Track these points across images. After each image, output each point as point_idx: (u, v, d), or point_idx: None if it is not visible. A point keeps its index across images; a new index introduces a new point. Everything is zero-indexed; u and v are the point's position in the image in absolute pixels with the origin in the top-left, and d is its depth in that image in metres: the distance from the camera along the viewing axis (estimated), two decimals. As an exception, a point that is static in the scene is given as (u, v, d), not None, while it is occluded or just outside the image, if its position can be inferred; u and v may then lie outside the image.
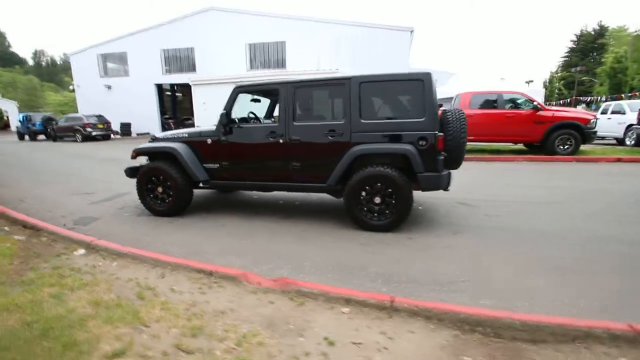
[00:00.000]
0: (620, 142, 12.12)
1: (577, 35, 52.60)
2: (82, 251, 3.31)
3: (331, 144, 3.87)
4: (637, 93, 23.43)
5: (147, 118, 21.65)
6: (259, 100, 5.12)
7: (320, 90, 4.02)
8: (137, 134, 21.68)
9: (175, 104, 26.80)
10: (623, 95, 23.57)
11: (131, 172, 4.71)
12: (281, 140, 4.01)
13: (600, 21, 56.53)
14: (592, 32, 50.69)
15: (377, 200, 3.77)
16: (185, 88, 27.88)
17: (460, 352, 1.81)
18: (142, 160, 4.78)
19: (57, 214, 4.73)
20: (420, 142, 3.64)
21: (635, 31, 37.77)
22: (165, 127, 22.97)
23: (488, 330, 1.93)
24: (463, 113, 4.02)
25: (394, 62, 16.07)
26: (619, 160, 8.35)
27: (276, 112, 4.33)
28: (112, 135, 19.57)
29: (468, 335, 1.93)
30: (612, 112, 12.53)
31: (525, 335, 1.89)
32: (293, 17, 17.76)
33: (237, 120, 4.45)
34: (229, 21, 19.00)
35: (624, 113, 12.10)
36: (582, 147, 9.39)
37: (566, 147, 9.12)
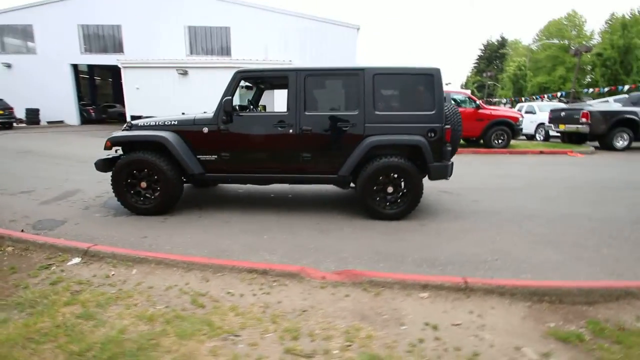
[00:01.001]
0: (530, 137, 14.36)
1: (484, 45, 60.07)
2: (76, 260, 2.75)
3: (344, 135, 3.85)
4: (534, 97, 27.87)
5: (60, 104, 18.50)
6: (250, 88, 4.80)
7: (333, 79, 3.95)
8: (48, 122, 18.41)
9: (93, 88, 23.44)
10: (523, 99, 27.81)
11: (104, 165, 4.04)
12: (291, 131, 3.85)
13: (502, 33, 65.71)
14: (496, 43, 58.55)
15: (390, 189, 3.89)
16: (106, 71, 24.51)
17: (541, 320, 2.01)
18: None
19: (3, 217, 3.83)
20: (430, 134, 3.85)
21: (529, 44, 44.93)
22: (83, 114, 20.00)
23: (554, 299, 2.18)
24: (457, 108, 4.36)
25: (342, 57, 16.43)
26: (541, 152, 9.91)
27: (278, 101, 4.13)
28: (14, 123, 16.28)
29: (539, 305, 2.16)
30: (526, 112, 14.72)
31: (582, 299, 2.19)
32: (239, 2, 16.85)
33: (237, 108, 4.12)
34: (163, -1, 17.18)
35: (534, 113, 14.34)
36: (512, 142, 10.89)
37: (500, 141, 10.48)
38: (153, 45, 17.04)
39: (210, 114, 4.15)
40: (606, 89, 22.28)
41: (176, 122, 4.02)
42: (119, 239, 3.28)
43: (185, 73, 14.63)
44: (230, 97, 3.77)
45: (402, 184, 3.90)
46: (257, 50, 16.35)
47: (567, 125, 11.17)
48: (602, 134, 10.57)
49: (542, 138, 13.72)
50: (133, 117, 15.02)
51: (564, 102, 20.00)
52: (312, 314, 2.02)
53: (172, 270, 2.56)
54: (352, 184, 4.18)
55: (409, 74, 3.89)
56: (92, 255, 2.77)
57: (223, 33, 17.15)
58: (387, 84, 3.88)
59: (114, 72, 19.81)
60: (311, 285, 2.34)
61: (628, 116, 10.42)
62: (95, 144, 9.38)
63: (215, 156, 3.99)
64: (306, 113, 3.84)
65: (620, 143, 10.56)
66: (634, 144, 10.64)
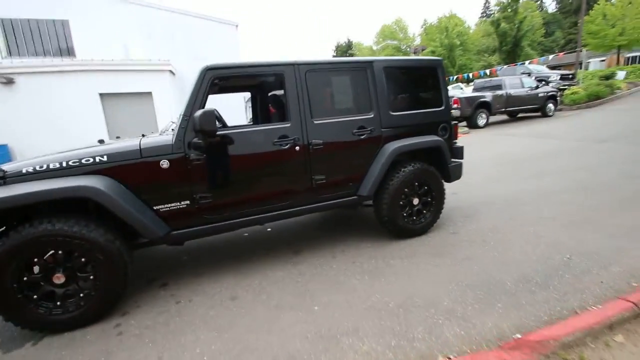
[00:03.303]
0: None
1: (335, 46, 66.20)
2: None
3: (362, 144, 3.07)
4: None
5: None
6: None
7: (338, 75, 3.05)
8: None
9: None
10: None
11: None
12: (297, 148, 2.81)
13: (348, 37, 73.98)
14: (344, 44, 65.33)
15: (416, 201, 3.33)
16: None
17: None
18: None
19: None
20: (442, 132, 3.47)
21: (370, 45, 51.83)
22: None
23: None
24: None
25: (222, 56, 14.84)
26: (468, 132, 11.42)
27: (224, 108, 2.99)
28: None
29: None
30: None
31: None
32: (76, -12, 12.96)
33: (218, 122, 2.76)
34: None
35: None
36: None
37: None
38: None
39: (162, 136, 2.68)
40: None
41: (104, 158, 2.39)
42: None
43: (9, 82, 10.45)
44: (206, 109, 2.43)
45: (426, 192, 3.39)
46: (113, 49, 13.05)
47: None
48: (469, 115, 12.77)
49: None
50: None
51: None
52: None
53: None
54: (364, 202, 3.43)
55: (416, 67, 3.37)
56: None
57: (59, 28, 12.94)
58: (397, 78, 3.27)
59: None
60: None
61: (483, 100, 12.89)
62: None
63: (187, 201, 2.58)
64: (314, 121, 2.87)
65: (481, 121, 12.98)
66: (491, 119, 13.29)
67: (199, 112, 2.39)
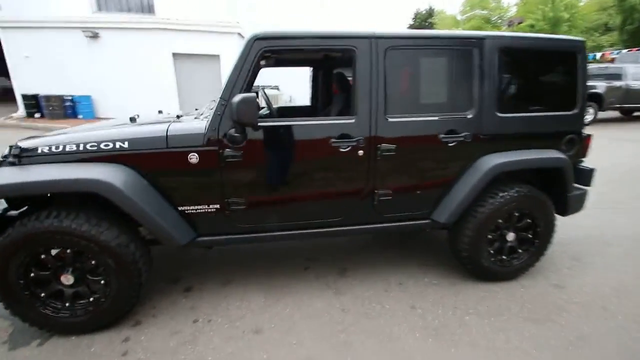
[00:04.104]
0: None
1: (414, 14, 60.93)
2: None
3: (449, 154, 2.25)
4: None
5: None
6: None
7: (431, 55, 2.21)
8: None
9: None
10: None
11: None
12: (361, 152, 2.11)
13: (430, 5, 67.46)
14: (424, 12, 59.68)
15: (511, 237, 2.46)
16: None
17: None
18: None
19: None
20: (567, 146, 2.47)
21: (455, 15, 46.39)
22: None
23: None
24: None
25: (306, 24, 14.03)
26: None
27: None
28: None
29: None
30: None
31: None
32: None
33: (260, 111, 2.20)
34: None
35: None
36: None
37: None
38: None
39: (197, 120, 2.17)
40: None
41: (125, 145, 1.96)
42: None
43: (95, 36, 11.04)
44: (246, 95, 1.83)
45: (528, 226, 2.49)
46: (195, 7, 13.03)
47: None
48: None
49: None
50: (25, 98, 11.07)
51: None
52: None
53: None
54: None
55: (548, 50, 2.36)
56: None
57: (142, -17, 13.31)
58: (516, 65, 2.33)
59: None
60: None
61: (593, 91, 10.46)
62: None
63: (217, 205, 2.08)
64: (388, 119, 2.12)
65: (587, 117, 10.72)
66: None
67: (237, 98, 1.80)
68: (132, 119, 2.42)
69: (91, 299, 1.99)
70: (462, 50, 2.18)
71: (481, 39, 2.17)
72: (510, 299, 2.35)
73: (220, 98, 1.96)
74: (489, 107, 2.24)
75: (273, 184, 2.13)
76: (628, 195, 4.39)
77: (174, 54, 11.58)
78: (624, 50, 17.31)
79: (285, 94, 13.23)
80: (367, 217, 2.27)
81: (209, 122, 1.97)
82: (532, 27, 27.62)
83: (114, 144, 1.95)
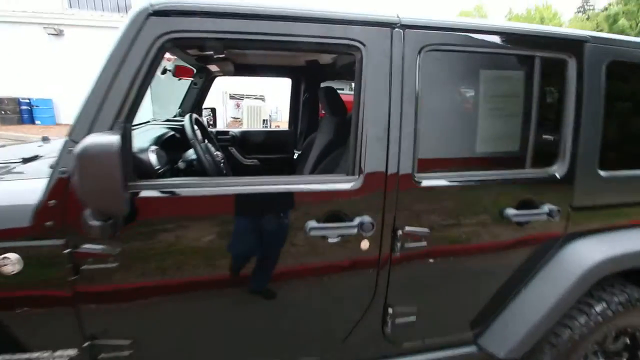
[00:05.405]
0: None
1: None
2: None
3: (514, 241, 1.28)
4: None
5: None
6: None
7: (501, 65, 1.24)
8: None
9: None
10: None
11: None
12: (365, 244, 1.10)
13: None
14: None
15: (603, 366, 1.49)
16: None
17: None
18: None
19: None
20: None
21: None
22: None
23: None
24: None
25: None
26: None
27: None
28: None
29: None
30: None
31: None
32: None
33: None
34: None
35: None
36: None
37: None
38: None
39: (38, 173, 1.12)
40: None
41: None
42: None
43: (59, 33, 9.89)
44: (110, 137, 0.81)
45: (629, 348, 1.53)
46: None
47: None
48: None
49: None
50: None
51: None
52: None
53: None
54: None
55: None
56: None
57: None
58: (631, 91, 1.39)
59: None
60: None
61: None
62: None
63: (74, 349, 1.02)
64: (421, 181, 1.13)
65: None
66: None
67: (86, 142, 0.78)
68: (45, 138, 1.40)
69: None
70: (548, 61, 1.22)
71: (581, 41, 1.22)
72: None
73: (68, 137, 0.94)
74: (588, 160, 1.28)
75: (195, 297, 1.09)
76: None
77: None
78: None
79: (272, 105, 12.21)
80: (370, 353, 1.26)
81: (47, 185, 0.94)
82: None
83: None
